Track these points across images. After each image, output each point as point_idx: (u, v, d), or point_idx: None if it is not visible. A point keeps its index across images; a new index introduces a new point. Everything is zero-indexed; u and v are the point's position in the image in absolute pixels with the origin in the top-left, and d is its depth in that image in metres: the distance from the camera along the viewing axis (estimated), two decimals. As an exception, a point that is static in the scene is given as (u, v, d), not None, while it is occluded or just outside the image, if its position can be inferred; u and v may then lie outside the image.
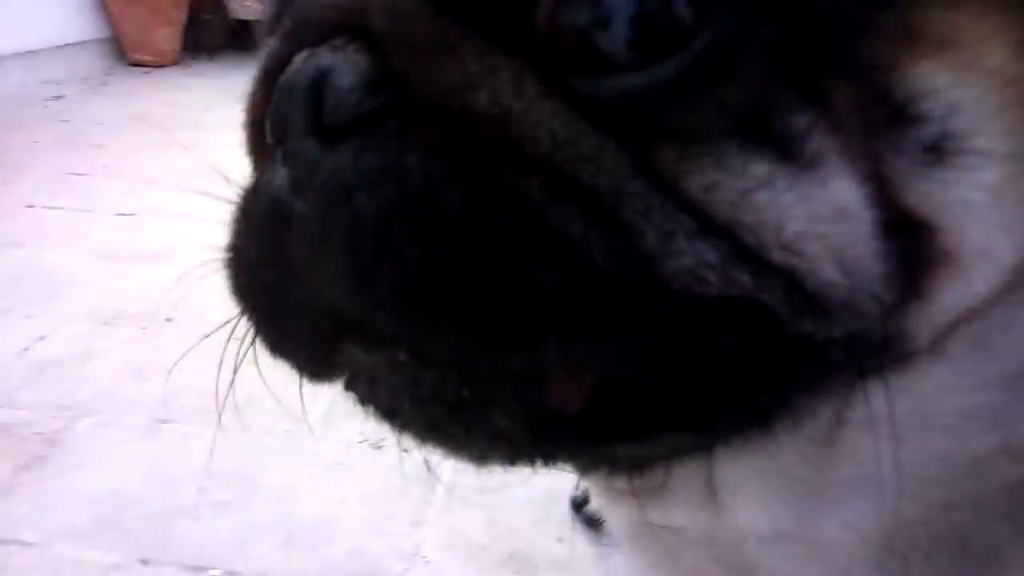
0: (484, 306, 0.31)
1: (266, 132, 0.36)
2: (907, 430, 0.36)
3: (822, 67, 0.31)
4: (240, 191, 0.40)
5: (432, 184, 0.31)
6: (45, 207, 2.65)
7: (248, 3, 4.32)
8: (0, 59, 4.09)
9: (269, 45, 0.37)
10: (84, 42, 4.56)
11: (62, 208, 2.65)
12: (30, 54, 4.17)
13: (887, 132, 0.32)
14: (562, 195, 0.31)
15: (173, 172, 2.16)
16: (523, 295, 0.31)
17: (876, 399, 0.36)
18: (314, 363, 0.39)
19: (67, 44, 4.43)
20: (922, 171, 0.32)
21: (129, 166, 3.00)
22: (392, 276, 0.31)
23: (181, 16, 4.64)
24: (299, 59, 0.33)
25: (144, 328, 1.94)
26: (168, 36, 4.62)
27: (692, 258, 0.31)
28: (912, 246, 0.33)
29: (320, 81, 0.32)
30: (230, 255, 0.39)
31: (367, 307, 0.32)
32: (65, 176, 2.92)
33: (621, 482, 0.41)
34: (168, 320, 1.93)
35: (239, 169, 0.41)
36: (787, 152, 0.31)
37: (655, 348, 0.33)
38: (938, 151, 0.32)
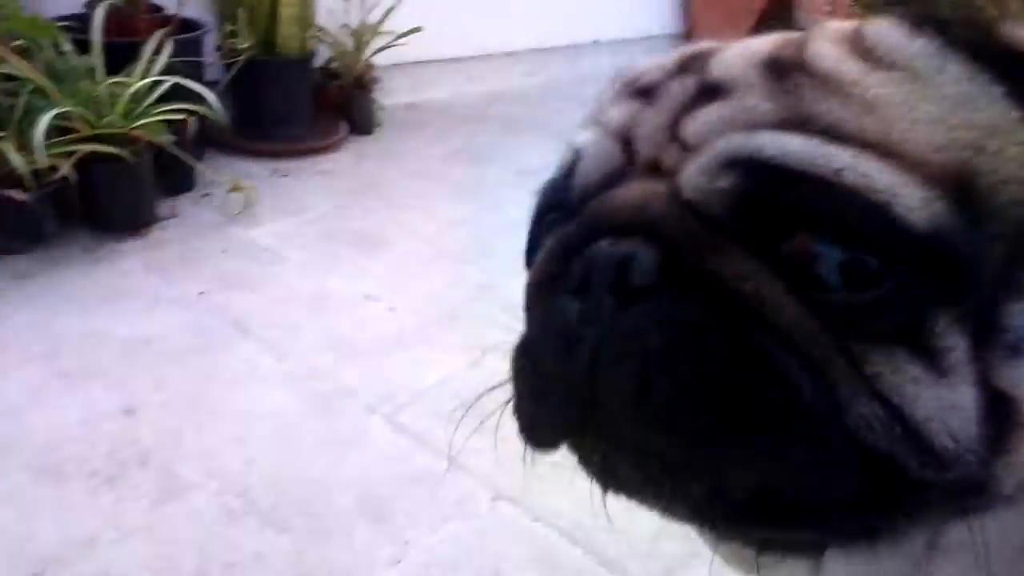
0: (724, 427, 0.46)
1: (543, 292, 0.52)
2: (994, 557, 0.48)
3: (965, 304, 0.45)
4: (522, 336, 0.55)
5: (703, 334, 0.46)
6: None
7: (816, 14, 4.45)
8: (586, 45, 4.92)
9: (564, 231, 0.52)
10: (663, 36, 5.22)
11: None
12: (615, 42, 4.94)
13: (991, 341, 0.45)
14: (790, 353, 0.45)
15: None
16: (749, 419, 0.45)
17: (968, 529, 0.48)
18: (566, 442, 0.52)
19: (649, 36, 5.12)
20: (1008, 363, 0.45)
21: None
22: (667, 397, 0.45)
23: (749, 21, 4.99)
24: (605, 243, 0.48)
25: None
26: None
27: (868, 412, 0.44)
28: (1002, 415, 0.45)
29: (627, 259, 0.47)
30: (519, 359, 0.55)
31: (639, 419, 0.47)
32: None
33: (749, 553, 0.55)
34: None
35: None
36: (934, 361, 0.44)
37: (815, 469, 0.46)
38: (1017, 348, 0.45)
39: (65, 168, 2.23)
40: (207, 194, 2.86)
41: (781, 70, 0.48)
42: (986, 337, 0.45)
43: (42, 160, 2.15)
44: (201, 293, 2.30)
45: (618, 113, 0.54)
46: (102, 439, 1.74)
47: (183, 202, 2.78)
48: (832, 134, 0.45)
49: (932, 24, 0.48)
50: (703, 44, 0.56)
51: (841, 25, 0.51)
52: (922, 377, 0.44)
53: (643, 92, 0.54)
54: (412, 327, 2.25)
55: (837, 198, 0.44)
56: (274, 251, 2.58)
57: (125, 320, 2.14)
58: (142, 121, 2.40)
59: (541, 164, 0.65)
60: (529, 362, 0.53)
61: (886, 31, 0.48)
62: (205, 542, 1.52)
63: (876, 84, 0.46)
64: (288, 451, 1.77)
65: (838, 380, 0.45)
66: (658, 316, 0.46)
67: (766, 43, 0.52)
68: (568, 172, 0.55)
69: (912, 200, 0.43)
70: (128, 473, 1.67)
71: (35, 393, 1.87)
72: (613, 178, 0.52)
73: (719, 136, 0.47)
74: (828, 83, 0.46)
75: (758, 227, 0.46)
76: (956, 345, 0.44)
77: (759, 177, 0.46)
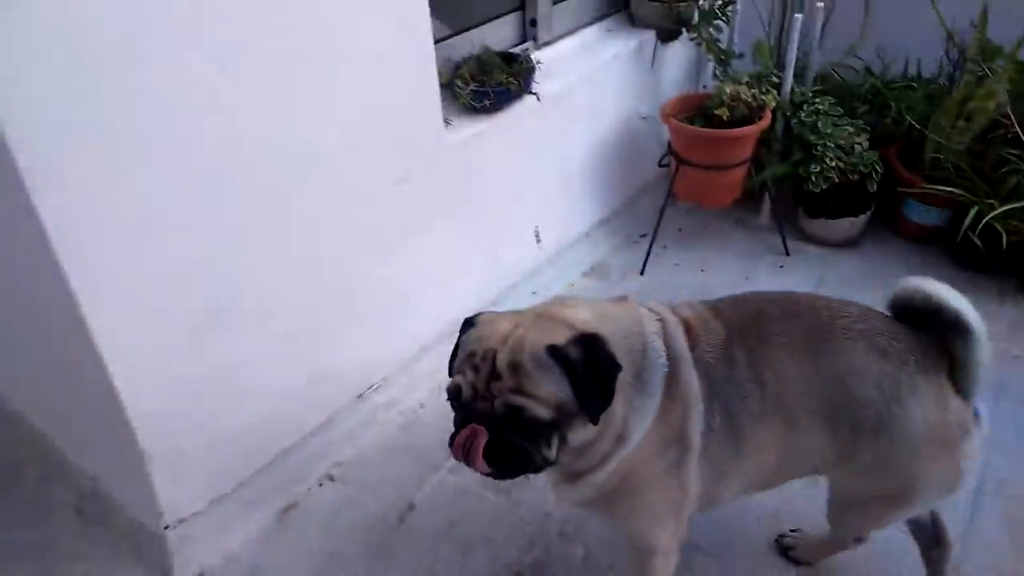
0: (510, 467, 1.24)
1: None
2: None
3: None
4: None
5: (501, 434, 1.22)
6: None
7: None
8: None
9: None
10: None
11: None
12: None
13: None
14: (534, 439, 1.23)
15: None
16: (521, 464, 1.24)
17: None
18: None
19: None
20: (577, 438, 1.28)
21: None
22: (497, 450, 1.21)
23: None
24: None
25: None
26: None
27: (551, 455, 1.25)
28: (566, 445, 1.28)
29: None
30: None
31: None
32: None
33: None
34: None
35: None
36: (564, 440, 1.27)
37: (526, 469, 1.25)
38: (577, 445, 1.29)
39: None
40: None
41: (512, 365, 1.20)
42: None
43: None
44: None
45: (464, 369, 1.25)
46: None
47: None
48: (523, 393, 1.19)
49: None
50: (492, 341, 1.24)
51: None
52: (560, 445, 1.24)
53: (473, 367, 1.23)
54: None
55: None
56: None
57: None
58: None
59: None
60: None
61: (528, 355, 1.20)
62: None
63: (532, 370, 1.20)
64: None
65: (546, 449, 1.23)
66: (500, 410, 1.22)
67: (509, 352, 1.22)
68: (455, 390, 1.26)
69: (543, 412, 1.19)
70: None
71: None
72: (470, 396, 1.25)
73: (499, 397, 1.20)
74: (518, 371, 1.20)
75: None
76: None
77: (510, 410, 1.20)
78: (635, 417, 1.27)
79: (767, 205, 2.89)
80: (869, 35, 2.93)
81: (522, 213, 2.47)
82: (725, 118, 2.47)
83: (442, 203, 2.12)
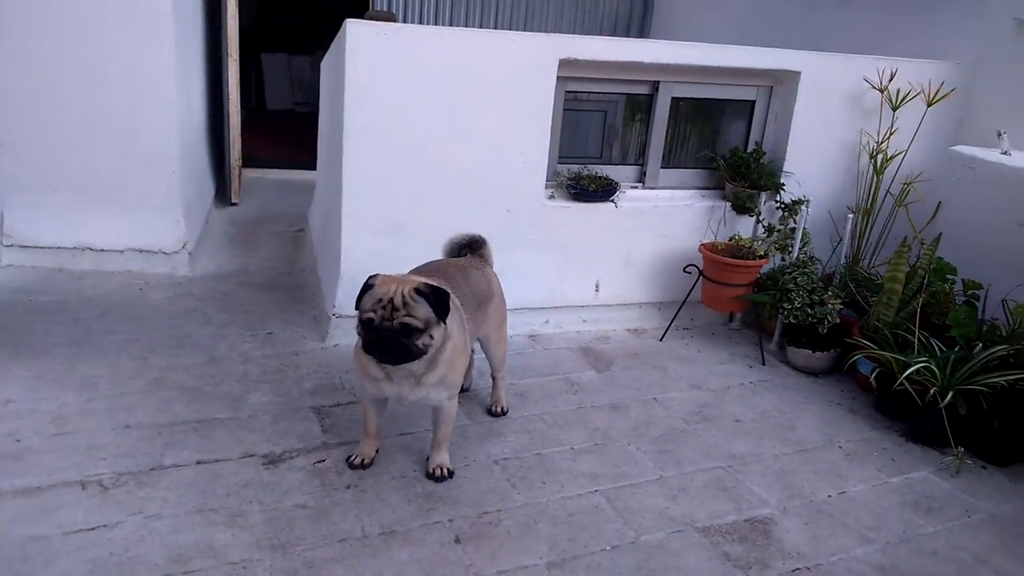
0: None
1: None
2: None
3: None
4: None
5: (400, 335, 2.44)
6: None
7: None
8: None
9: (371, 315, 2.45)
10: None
11: None
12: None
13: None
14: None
15: None
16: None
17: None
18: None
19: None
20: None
21: None
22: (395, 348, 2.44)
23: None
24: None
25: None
26: None
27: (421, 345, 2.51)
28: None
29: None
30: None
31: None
32: None
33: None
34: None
35: None
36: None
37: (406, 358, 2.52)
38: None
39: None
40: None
41: (403, 302, 2.41)
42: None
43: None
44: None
45: (375, 308, 2.42)
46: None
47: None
48: (409, 315, 2.41)
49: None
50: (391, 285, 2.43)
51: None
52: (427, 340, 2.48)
53: (381, 305, 2.41)
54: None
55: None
56: None
57: None
58: None
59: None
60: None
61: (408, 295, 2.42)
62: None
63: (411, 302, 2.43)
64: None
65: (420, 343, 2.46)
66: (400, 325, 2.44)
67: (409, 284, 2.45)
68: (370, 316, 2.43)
69: (418, 323, 2.43)
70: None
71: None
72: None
73: (396, 319, 2.40)
74: (405, 305, 2.42)
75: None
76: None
77: (403, 325, 2.42)
78: (451, 322, 2.52)
79: (768, 328, 4.09)
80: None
81: (587, 267, 4.10)
82: (720, 248, 3.89)
83: (531, 233, 3.89)
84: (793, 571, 2.49)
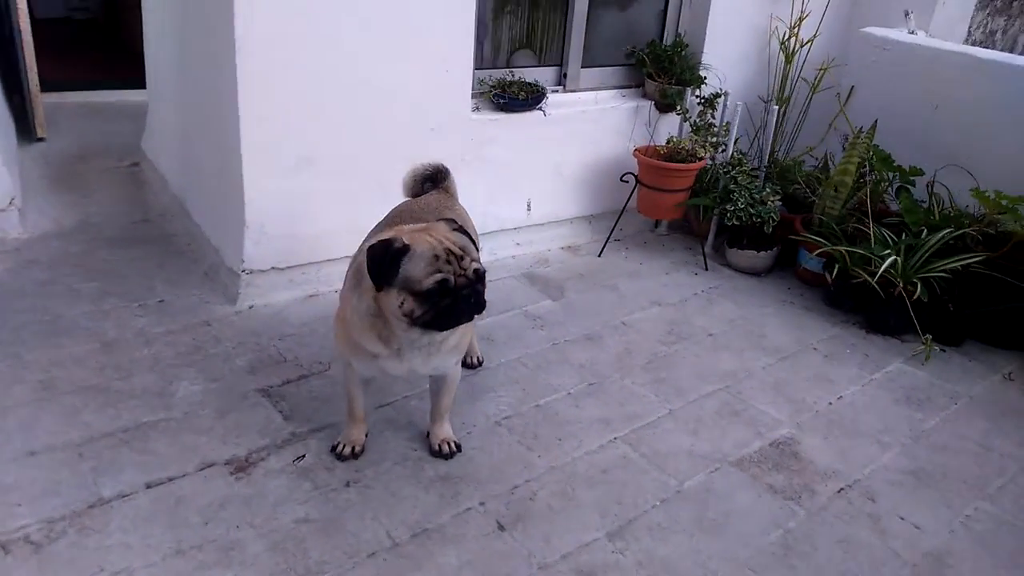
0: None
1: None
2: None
3: None
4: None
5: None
6: None
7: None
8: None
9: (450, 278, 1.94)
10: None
11: None
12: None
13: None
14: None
15: None
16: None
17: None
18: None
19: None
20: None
21: None
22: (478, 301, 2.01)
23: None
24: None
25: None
26: None
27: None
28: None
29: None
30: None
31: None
32: None
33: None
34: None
35: None
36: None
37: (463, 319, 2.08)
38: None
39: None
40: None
41: (463, 247, 1.99)
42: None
43: None
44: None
45: (440, 268, 1.93)
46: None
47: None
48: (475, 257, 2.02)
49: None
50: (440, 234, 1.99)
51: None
52: None
53: (447, 261, 1.94)
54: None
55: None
56: None
57: None
58: None
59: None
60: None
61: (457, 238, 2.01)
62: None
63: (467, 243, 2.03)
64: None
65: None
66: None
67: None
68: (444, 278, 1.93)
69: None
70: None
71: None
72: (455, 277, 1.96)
73: (470, 268, 1.98)
74: (467, 248, 2.01)
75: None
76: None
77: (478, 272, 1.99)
78: None
79: (703, 231, 3.97)
80: (821, 141, 4.02)
81: (517, 185, 3.72)
82: (661, 152, 3.65)
83: (459, 152, 3.43)
84: (839, 492, 2.41)
